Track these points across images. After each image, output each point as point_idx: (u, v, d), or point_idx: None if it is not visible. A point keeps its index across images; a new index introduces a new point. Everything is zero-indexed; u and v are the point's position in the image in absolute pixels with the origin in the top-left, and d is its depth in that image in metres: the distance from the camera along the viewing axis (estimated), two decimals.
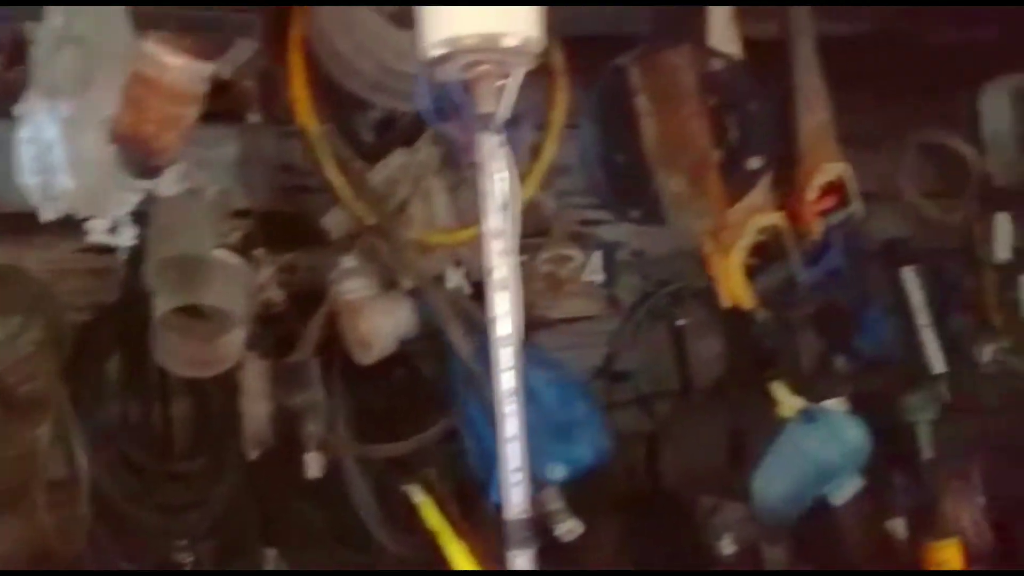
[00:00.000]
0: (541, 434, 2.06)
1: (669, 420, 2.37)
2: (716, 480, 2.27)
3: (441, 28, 1.25)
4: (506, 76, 1.27)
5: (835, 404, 2.12)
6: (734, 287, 1.85)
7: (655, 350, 2.52)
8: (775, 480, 2.07)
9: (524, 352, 2.12)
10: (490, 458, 1.95)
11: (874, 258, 2.98)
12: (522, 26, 1.25)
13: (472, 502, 1.89)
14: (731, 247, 1.84)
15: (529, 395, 2.06)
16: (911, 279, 3.00)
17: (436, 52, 1.25)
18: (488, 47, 1.24)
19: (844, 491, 2.08)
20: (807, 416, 2.06)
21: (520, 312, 1.31)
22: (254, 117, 1.68)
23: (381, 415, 1.80)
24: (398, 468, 1.73)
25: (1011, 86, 3.23)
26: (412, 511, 1.67)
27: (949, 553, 2.52)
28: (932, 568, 2.51)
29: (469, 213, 1.70)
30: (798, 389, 2.10)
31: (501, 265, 1.29)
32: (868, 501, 2.60)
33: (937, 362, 2.98)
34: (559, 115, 1.85)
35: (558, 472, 1.95)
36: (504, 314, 1.31)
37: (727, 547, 2.52)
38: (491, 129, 1.26)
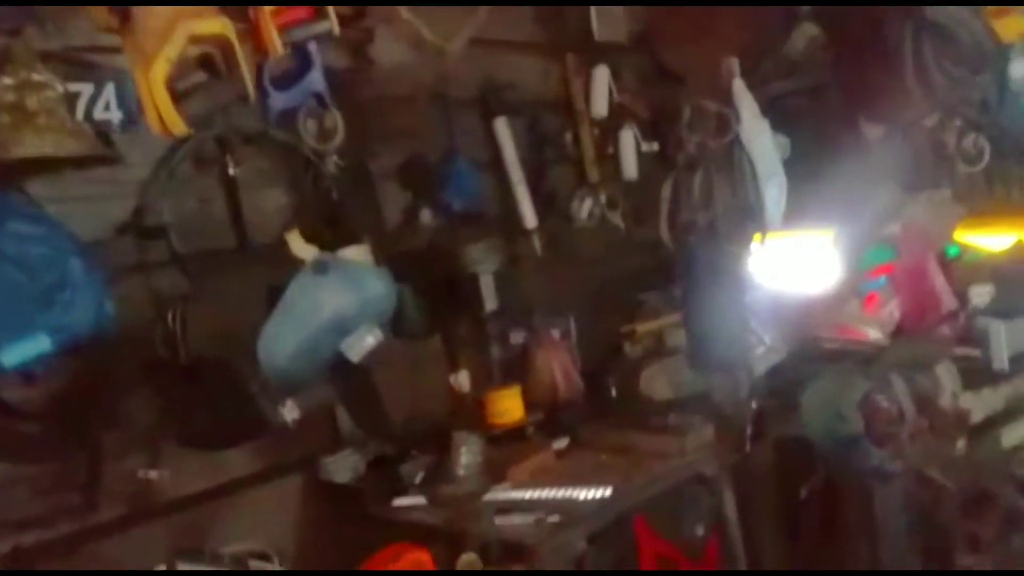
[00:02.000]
0: (22, 298, 1.78)
1: (208, 279, 2.14)
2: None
3: None
4: None
5: (356, 253, 1.98)
6: (159, 107, 1.59)
7: (201, 202, 2.26)
8: (283, 336, 1.92)
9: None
10: None
11: (466, 107, 2.88)
12: None
13: None
14: (154, 57, 1.56)
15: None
16: (504, 131, 2.94)
17: None
18: None
19: (361, 345, 1.97)
20: (319, 267, 1.91)
21: None
22: None
23: None
24: None
25: None
26: None
27: (509, 402, 2.55)
28: (494, 416, 2.53)
29: None
30: (315, 238, 1.94)
31: None
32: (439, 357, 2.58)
33: (529, 217, 2.99)
34: None
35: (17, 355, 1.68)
36: None
37: (290, 413, 2.39)
38: None
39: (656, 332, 3.20)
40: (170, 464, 2.31)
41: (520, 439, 2.66)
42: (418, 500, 2.38)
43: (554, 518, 2.18)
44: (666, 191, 2.45)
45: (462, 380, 2.48)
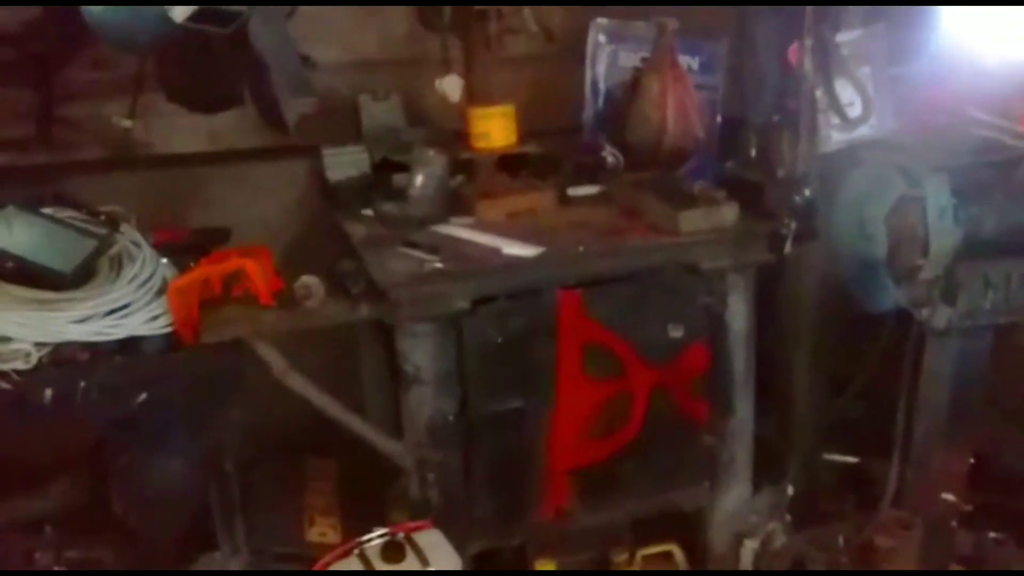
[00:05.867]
0: None
1: None
2: None
3: None
4: None
5: None
6: None
7: None
8: None
9: None
10: None
11: None
12: None
13: None
14: None
15: None
16: None
17: None
18: None
19: (184, 8, 1.63)
20: None
21: None
22: None
23: None
24: None
25: None
26: None
27: (495, 123, 2.10)
28: (474, 138, 2.10)
29: None
30: None
31: None
32: None
33: None
34: None
35: None
36: None
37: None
38: None
39: None
40: (159, 119, 2.29)
41: (540, 174, 2.20)
42: (370, 213, 2.12)
43: (439, 265, 1.80)
44: None
45: (448, 87, 2.06)
